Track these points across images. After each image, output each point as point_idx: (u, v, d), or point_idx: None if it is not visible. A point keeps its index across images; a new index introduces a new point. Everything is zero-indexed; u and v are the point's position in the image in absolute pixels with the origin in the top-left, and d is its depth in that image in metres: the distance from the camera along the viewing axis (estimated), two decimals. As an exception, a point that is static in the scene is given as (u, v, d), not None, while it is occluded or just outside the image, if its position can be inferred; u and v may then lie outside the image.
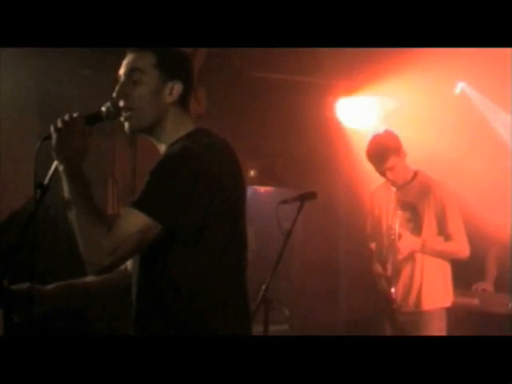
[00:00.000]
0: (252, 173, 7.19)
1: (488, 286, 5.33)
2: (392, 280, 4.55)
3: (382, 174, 4.66)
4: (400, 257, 4.50)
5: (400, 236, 4.50)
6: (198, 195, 2.34)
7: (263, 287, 3.86)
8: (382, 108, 6.47)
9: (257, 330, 3.34)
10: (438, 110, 5.93)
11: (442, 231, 4.55)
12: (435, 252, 4.54)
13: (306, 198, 4.11)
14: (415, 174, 4.67)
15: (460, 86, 6.15)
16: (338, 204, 7.46)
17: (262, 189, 9.84)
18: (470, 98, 6.08)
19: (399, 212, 4.59)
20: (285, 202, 4.13)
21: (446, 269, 4.61)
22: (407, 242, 4.50)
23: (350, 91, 6.71)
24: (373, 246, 4.82)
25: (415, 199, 4.59)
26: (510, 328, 4.73)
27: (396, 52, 4.49)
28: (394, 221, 4.57)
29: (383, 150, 4.58)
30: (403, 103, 6.10)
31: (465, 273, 4.91)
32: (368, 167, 4.89)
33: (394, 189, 4.66)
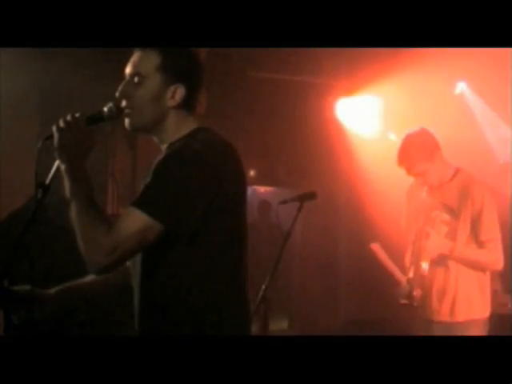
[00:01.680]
0: (252, 173, 7.20)
1: (497, 287, 5.29)
2: (414, 282, 4.30)
3: (414, 177, 4.41)
4: (426, 257, 4.25)
5: (427, 235, 4.23)
6: (199, 194, 2.34)
7: (263, 287, 3.87)
8: (382, 108, 6.48)
9: (256, 329, 3.35)
10: (437, 110, 5.93)
11: (476, 237, 4.21)
12: (465, 260, 4.22)
13: (305, 198, 4.10)
14: (456, 172, 4.35)
15: (460, 87, 6.16)
16: (337, 204, 7.47)
17: (262, 189, 9.86)
18: (468, 102, 6.08)
19: (435, 213, 4.32)
20: (284, 201, 4.12)
21: (483, 278, 4.29)
22: (435, 243, 4.21)
23: (350, 91, 6.72)
24: (373, 246, 4.79)
25: (454, 200, 4.27)
26: (509, 328, 4.73)
27: (396, 52, 4.49)
28: (427, 222, 4.29)
29: (411, 157, 4.28)
30: (403, 103, 6.10)
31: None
32: (367, 167, 4.90)
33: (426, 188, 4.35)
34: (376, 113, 6.54)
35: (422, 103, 5.94)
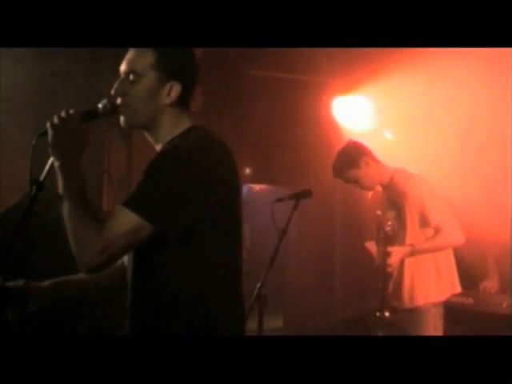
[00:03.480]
0: (247, 171, 7.19)
1: (494, 284, 5.38)
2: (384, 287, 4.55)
3: (350, 183, 4.74)
4: (390, 270, 4.51)
5: (389, 254, 4.48)
6: (190, 194, 2.33)
7: (258, 285, 3.86)
8: (378, 107, 6.48)
9: (251, 328, 3.35)
10: (433, 109, 5.93)
11: (428, 224, 4.52)
12: (427, 250, 4.53)
13: (301, 196, 4.11)
14: (394, 172, 4.67)
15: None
16: (333, 202, 7.47)
17: (257, 187, 9.85)
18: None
19: (386, 212, 4.62)
20: (280, 199, 4.13)
21: (440, 263, 4.57)
22: (395, 256, 4.48)
23: (346, 90, 6.72)
24: (368, 245, 4.82)
25: (397, 197, 4.60)
26: (504, 328, 4.73)
27: (393, 51, 4.49)
28: (383, 232, 4.58)
29: (339, 167, 4.67)
30: (399, 102, 6.10)
31: (466, 272, 4.86)
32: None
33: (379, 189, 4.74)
34: (372, 111, 6.54)
35: (417, 102, 5.94)
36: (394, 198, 4.62)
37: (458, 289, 4.61)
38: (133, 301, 2.45)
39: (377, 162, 4.69)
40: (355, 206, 6.55)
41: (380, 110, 6.43)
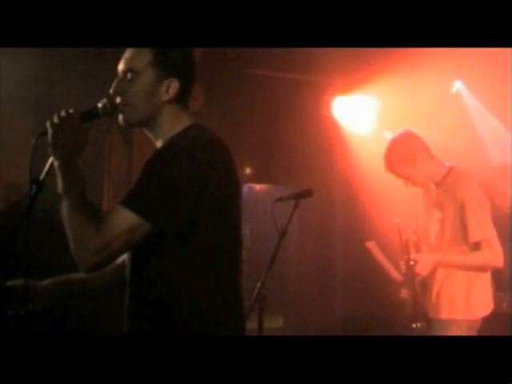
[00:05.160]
0: (248, 170, 7.19)
1: None
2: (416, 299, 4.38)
3: (401, 179, 4.47)
4: (418, 279, 4.31)
5: (416, 262, 4.26)
6: (188, 192, 2.32)
7: (258, 285, 3.86)
8: (379, 106, 6.48)
9: (251, 327, 3.34)
10: (433, 109, 5.94)
11: (466, 237, 4.17)
12: (458, 265, 4.23)
13: (301, 195, 4.10)
14: (449, 170, 4.37)
15: (456, 85, 6.17)
16: (333, 202, 7.47)
17: (257, 186, 9.85)
18: (464, 98, 6.11)
19: (433, 211, 4.37)
20: (280, 199, 4.11)
21: (474, 280, 4.24)
22: (423, 265, 4.24)
23: (346, 90, 6.72)
24: (369, 244, 4.80)
25: (444, 198, 4.31)
26: (504, 328, 4.72)
27: (392, 50, 4.49)
28: (427, 220, 4.39)
29: (393, 163, 4.40)
30: (399, 102, 6.10)
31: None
32: (363, 165, 4.92)
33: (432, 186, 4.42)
34: (372, 111, 6.54)
35: (418, 101, 5.95)
36: (442, 198, 4.32)
37: (490, 309, 4.28)
38: (131, 300, 2.45)
39: (432, 157, 4.40)
40: (356, 205, 6.57)
41: (381, 110, 6.44)
